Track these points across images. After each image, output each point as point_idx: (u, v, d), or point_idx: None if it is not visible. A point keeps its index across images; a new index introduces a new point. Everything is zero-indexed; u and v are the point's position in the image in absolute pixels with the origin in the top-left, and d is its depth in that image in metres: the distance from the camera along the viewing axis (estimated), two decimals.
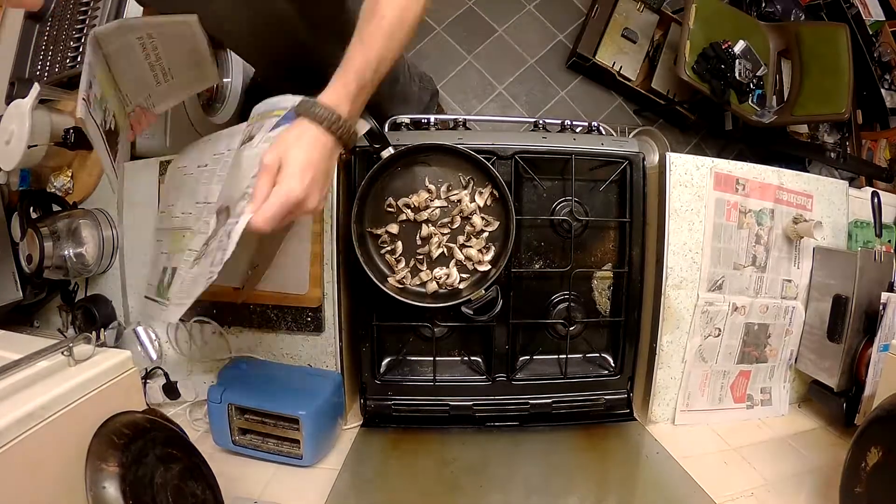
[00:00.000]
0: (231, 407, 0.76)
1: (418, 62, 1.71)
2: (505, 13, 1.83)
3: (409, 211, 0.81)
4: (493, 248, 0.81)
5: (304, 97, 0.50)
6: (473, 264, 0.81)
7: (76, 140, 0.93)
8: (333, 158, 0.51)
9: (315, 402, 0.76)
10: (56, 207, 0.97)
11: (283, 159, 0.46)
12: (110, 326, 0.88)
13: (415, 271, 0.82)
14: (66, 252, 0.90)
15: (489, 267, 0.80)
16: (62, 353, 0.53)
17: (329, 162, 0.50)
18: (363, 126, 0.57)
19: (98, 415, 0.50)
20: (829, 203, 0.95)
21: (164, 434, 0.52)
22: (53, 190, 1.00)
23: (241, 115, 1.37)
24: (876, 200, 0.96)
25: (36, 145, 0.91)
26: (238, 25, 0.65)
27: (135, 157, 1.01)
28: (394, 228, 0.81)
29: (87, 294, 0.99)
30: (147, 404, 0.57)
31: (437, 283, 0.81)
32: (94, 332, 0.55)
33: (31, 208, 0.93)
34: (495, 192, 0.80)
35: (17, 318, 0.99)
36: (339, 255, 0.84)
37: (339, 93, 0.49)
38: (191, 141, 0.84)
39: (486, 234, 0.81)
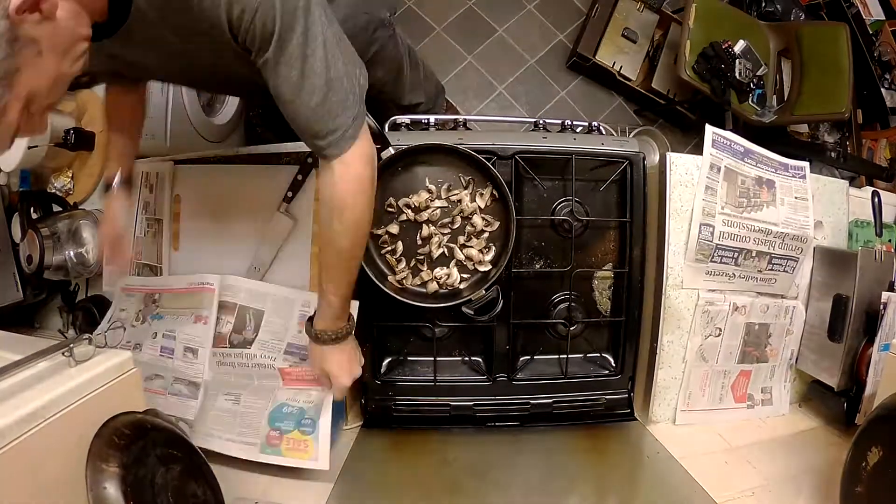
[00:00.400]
0: None
1: None
2: (505, 13, 1.83)
3: (409, 211, 0.81)
4: (493, 248, 0.81)
5: (306, 325, 0.68)
6: (474, 264, 0.81)
7: (76, 141, 0.94)
8: (347, 345, 0.69)
9: None
10: (56, 208, 0.97)
11: (325, 370, 0.69)
12: (111, 327, 0.88)
13: (415, 271, 0.82)
14: (66, 252, 0.90)
15: (490, 267, 0.80)
16: (63, 353, 0.53)
17: (348, 351, 0.70)
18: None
19: (99, 415, 0.50)
20: (830, 202, 0.95)
21: (164, 434, 0.52)
22: (54, 190, 1.00)
23: (240, 114, 1.36)
24: (876, 200, 0.96)
25: (36, 146, 0.91)
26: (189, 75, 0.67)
27: (137, 156, 1.01)
28: (394, 229, 0.81)
29: (88, 295, 0.99)
30: (148, 405, 0.57)
31: (438, 283, 0.81)
32: (94, 333, 0.55)
33: (32, 209, 0.94)
34: (495, 192, 0.80)
35: (18, 319, 0.99)
36: None
37: (327, 316, 0.66)
38: (190, 141, 0.85)
39: (486, 235, 0.81)
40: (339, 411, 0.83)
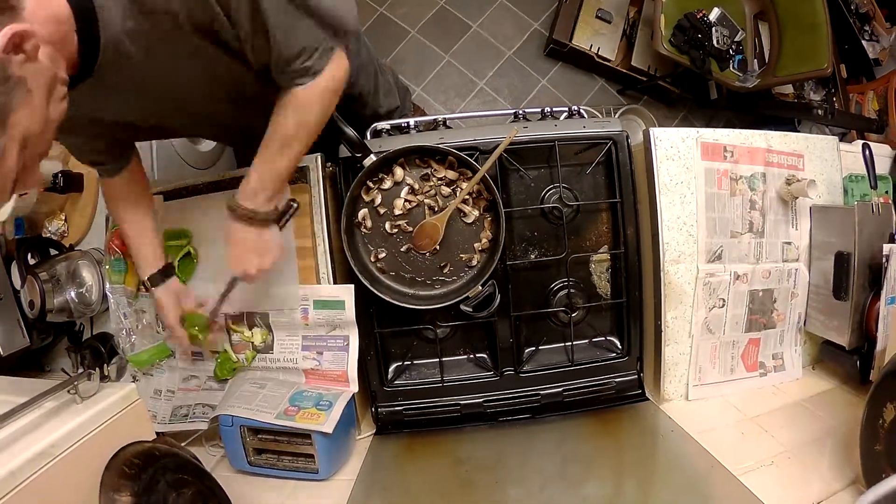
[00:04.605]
0: (243, 429, 0.76)
1: (396, 67, 1.72)
2: (477, 8, 1.83)
3: (399, 213, 0.81)
4: (485, 242, 0.81)
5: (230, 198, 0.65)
6: (467, 261, 0.81)
7: (65, 183, 0.95)
8: (262, 234, 0.66)
9: None
10: (53, 251, 0.98)
11: (228, 246, 0.67)
12: (112, 361, 0.89)
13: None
14: (67, 294, 0.91)
15: (483, 262, 0.80)
16: (68, 391, 0.54)
17: (255, 240, 0.66)
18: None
19: (108, 447, 0.51)
20: (821, 160, 0.94)
21: (174, 460, 0.52)
22: (49, 234, 1.01)
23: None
24: (867, 152, 0.95)
25: (26, 193, 0.92)
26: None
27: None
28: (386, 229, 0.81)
29: (94, 333, 1.00)
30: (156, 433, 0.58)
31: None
32: (97, 369, 0.55)
33: (29, 255, 0.95)
34: (482, 186, 0.80)
35: (28, 364, 1.00)
36: (334, 266, 0.84)
37: (248, 192, 0.64)
38: (177, 170, 0.86)
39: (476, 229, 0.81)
40: (350, 421, 0.83)
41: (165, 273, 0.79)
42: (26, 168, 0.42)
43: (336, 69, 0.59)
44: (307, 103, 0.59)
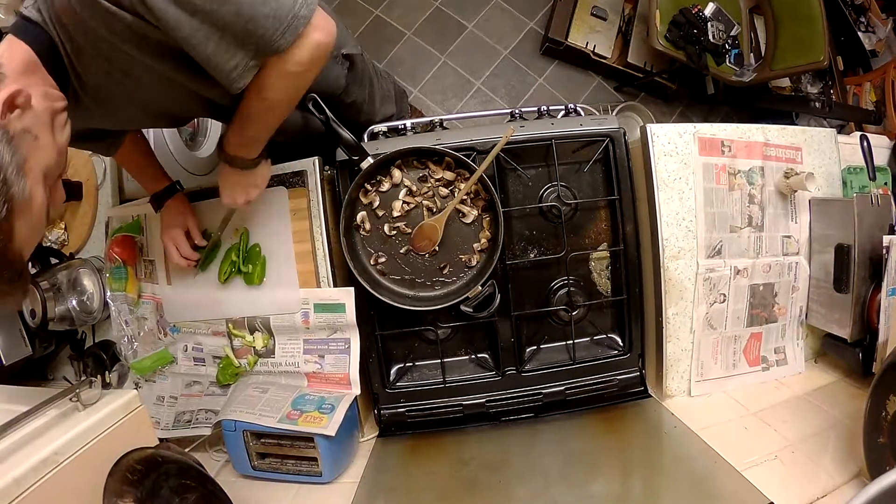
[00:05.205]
0: (246, 433, 0.76)
1: (392, 69, 1.72)
2: (473, 8, 1.83)
3: (397, 214, 0.81)
4: (484, 242, 0.81)
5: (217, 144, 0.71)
6: (466, 261, 0.81)
7: (65, 192, 0.95)
8: (245, 175, 0.71)
9: None
10: (54, 260, 0.98)
11: (219, 185, 0.74)
12: (114, 368, 0.89)
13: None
14: (69, 302, 0.91)
15: (482, 262, 0.80)
16: (70, 399, 0.54)
17: (238, 181, 0.72)
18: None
19: (111, 454, 0.51)
20: (820, 153, 0.94)
21: (177, 466, 0.52)
22: (49, 243, 1.01)
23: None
24: (865, 144, 0.95)
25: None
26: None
27: (123, 200, 1.02)
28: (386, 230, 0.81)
29: (96, 341, 1.00)
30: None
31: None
32: (98, 376, 0.55)
33: (30, 264, 0.95)
34: (480, 186, 0.80)
35: (31, 373, 1.00)
36: (334, 269, 0.84)
37: (235, 143, 0.67)
38: (176, 176, 0.86)
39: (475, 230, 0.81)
40: (353, 423, 0.83)
41: (169, 190, 0.83)
42: (52, 192, 0.47)
43: (297, 51, 0.54)
44: (266, 86, 0.58)
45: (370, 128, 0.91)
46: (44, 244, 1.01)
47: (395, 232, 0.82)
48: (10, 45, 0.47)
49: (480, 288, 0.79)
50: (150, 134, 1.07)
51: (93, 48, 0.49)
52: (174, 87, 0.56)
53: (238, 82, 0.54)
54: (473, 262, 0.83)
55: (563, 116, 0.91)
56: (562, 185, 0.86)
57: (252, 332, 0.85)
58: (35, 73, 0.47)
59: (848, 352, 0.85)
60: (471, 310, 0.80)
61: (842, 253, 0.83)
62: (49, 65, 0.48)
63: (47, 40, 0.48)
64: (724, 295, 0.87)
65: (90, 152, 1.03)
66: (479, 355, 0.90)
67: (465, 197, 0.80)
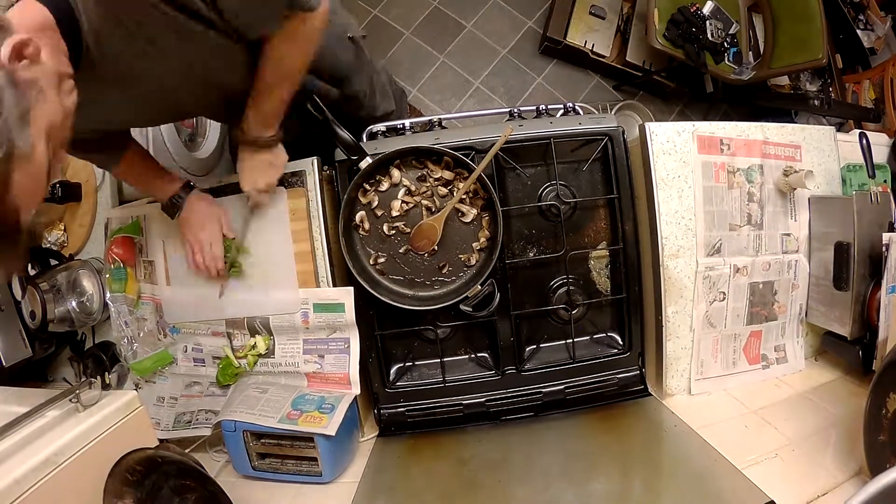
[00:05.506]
0: (246, 433, 0.76)
1: (391, 69, 1.72)
2: (471, 8, 1.83)
3: (396, 214, 0.81)
4: (483, 242, 0.81)
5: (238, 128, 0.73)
6: (465, 260, 0.81)
7: (63, 193, 0.95)
8: (263, 155, 0.75)
9: None
10: (53, 261, 0.98)
11: (239, 169, 0.78)
12: (114, 369, 0.89)
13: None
14: (68, 304, 0.91)
15: (482, 262, 0.80)
16: (70, 400, 0.54)
17: (259, 159, 0.75)
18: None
19: (111, 454, 0.51)
20: (819, 151, 0.94)
21: (176, 466, 0.52)
22: (48, 245, 1.01)
23: (222, 145, 1.38)
24: (864, 141, 0.94)
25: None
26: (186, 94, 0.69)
27: (123, 201, 1.02)
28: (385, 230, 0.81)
29: (96, 342, 1.00)
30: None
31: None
32: (98, 377, 0.55)
33: (29, 265, 0.95)
34: (479, 186, 0.80)
35: (31, 374, 1.00)
36: (333, 269, 0.84)
37: (255, 121, 0.71)
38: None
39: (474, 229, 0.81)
40: (353, 423, 0.83)
41: (185, 189, 0.82)
42: (55, 155, 0.46)
43: (309, 17, 0.60)
44: (280, 52, 0.63)
45: (369, 127, 0.91)
46: (43, 245, 1.01)
47: (394, 231, 0.82)
48: (25, 4, 0.46)
49: (480, 287, 0.79)
50: (150, 137, 1.08)
51: (124, 9, 0.49)
52: (196, 60, 0.57)
53: (261, 26, 0.58)
54: (473, 262, 0.83)
55: (561, 115, 0.91)
56: (561, 184, 0.86)
57: (252, 333, 0.85)
58: (48, 33, 0.46)
59: (848, 349, 0.85)
60: (470, 309, 0.80)
61: (841, 251, 0.83)
62: (64, 31, 0.48)
63: (66, 7, 0.48)
64: (724, 293, 0.87)
65: None
66: (478, 354, 0.90)
67: (464, 196, 0.80)
